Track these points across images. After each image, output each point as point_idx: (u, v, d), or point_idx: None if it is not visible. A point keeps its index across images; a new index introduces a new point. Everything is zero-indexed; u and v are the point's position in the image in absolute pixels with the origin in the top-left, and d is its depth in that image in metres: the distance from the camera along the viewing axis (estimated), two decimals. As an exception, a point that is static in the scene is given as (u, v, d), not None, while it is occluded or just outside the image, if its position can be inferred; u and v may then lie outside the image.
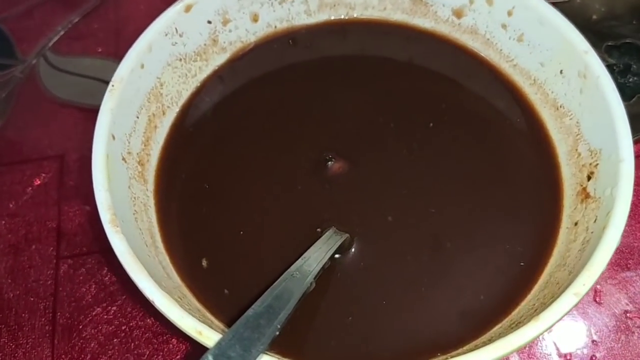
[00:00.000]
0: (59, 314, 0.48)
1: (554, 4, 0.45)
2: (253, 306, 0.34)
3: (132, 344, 0.46)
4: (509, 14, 0.47)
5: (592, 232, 0.39)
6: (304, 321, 0.40)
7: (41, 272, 0.50)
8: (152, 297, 0.35)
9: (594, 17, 0.58)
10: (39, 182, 0.55)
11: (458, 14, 0.50)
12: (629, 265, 0.48)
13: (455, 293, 0.41)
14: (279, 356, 0.36)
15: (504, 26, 0.48)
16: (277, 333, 0.33)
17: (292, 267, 0.38)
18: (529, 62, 0.48)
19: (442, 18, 0.51)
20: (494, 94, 0.49)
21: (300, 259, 0.39)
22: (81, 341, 0.46)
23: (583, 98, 0.43)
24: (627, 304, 0.46)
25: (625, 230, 0.37)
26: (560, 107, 0.46)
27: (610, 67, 0.50)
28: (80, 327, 0.47)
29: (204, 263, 0.43)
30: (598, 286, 0.47)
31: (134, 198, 0.42)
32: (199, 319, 0.35)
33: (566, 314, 0.34)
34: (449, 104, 0.49)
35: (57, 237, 0.51)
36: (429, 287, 0.41)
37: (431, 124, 0.48)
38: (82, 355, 0.46)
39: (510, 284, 0.41)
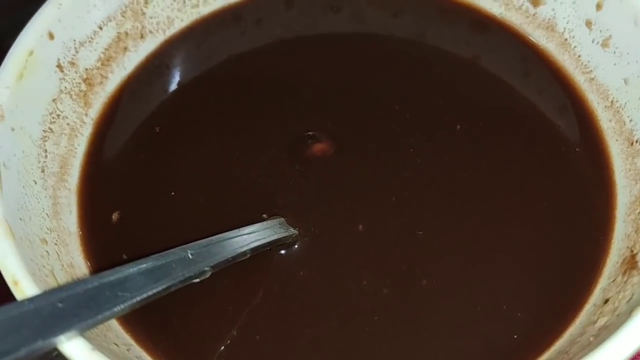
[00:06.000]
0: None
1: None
2: (101, 274, 0.25)
3: None
4: (598, 6, 0.35)
5: (617, 315, 0.26)
6: (188, 315, 0.31)
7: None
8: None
9: None
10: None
11: (535, 0, 0.38)
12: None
13: (404, 352, 0.29)
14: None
15: (588, 24, 0.36)
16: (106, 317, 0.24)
17: (194, 244, 0.29)
18: (610, 76, 0.35)
19: (515, 3, 0.39)
20: (557, 111, 0.37)
21: (213, 237, 0.29)
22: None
23: (668, 133, 0.30)
24: None
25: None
26: (636, 142, 0.33)
27: None
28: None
29: (115, 217, 0.34)
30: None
31: (57, 116, 0.34)
32: (37, 269, 0.27)
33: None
34: (492, 111, 0.37)
35: None
36: (374, 333, 0.30)
37: (459, 127, 0.36)
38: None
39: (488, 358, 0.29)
